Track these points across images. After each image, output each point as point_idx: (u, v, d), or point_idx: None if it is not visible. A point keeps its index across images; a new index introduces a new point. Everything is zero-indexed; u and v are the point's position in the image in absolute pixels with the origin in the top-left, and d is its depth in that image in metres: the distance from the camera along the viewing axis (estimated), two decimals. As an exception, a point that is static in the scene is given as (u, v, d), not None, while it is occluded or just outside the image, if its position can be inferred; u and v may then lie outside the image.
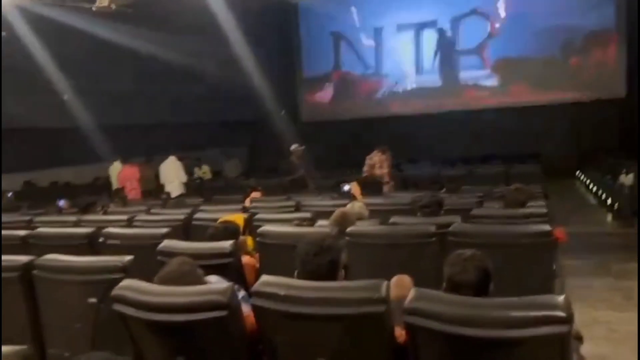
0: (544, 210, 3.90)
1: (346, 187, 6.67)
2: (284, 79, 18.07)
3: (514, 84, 16.19)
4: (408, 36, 17.17)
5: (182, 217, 4.84)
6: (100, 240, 3.72)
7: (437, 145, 15.87)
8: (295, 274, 2.17)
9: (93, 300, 2.32)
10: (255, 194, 7.70)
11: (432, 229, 3.14)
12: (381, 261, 3.22)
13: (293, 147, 9.97)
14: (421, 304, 1.86)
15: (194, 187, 10.31)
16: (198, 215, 4.87)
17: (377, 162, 9.06)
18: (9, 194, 9.76)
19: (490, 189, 6.35)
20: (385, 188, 8.26)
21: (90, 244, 3.75)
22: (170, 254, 3.33)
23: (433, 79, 17.10)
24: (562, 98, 15.36)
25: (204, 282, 2.39)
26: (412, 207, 4.42)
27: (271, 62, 16.47)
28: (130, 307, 2.10)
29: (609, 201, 9.95)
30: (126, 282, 2.18)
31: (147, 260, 3.40)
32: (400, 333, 1.96)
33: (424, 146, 15.89)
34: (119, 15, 10.34)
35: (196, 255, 3.27)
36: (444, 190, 6.29)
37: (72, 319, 2.42)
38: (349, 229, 3.31)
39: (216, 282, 2.81)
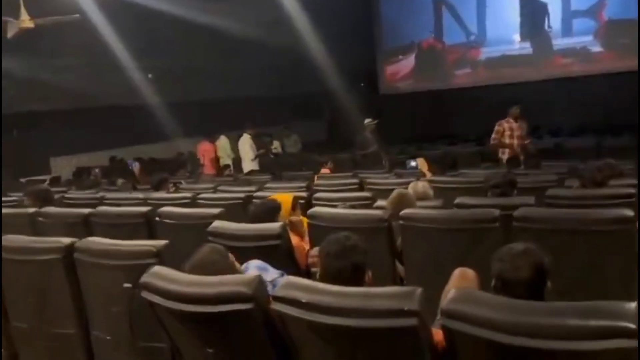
0: (632, 190, 3.45)
1: (413, 163, 6.35)
2: (363, 50, 17.74)
3: (615, 48, 14.86)
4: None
5: (243, 195, 4.79)
6: (157, 219, 3.73)
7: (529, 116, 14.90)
8: (317, 275, 2.00)
9: (128, 285, 2.26)
10: (325, 170, 7.58)
11: (496, 212, 2.84)
12: (437, 248, 2.97)
13: (367, 121, 9.71)
14: (462, 305, 1.62)
15: (268, 163, 10.34)
16: (258, 193, 4.80)
17: (507, 130, 7.75)
18: (96, 170, 10.24)
19: (575, 164, 5.81)
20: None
21: (147, 223, 3.77)
22: (221, 234, 3.29)
23: (527, 46, 15.98)
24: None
25: (235, 271, 2.28)
26: (484, 187, 4.08)
27: (350, 33, 16.20)
28: (157, 295, 2.02)
29: None
30: (156, 269, 2.10)
31: (200, 241, 3.38)
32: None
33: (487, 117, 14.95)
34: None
35: (244, 237, 3.20)
36: (522, 166, 5.84)
37: (111, 304, 2.40)
38: (402, 212, 3.08)
39: (254, 269, 2.71)
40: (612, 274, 2.63)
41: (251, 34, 12.54)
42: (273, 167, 9.73)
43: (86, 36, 10.78)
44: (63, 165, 11.98)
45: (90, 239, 2.59)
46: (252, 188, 5.55)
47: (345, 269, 1.95)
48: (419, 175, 5.66)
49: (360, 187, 5.43)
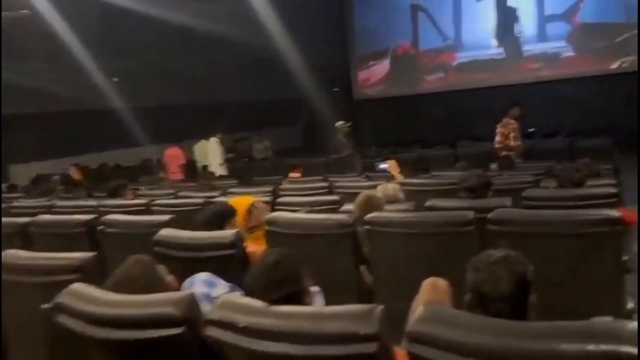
0: (612, 190, 3.24)
1: (382, 166, 6.10)
2: (337, 55, 17.61)
3: (588, 52, 14.93)
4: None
5: (201, 201, 4.46)
6: (100, 228, 3.39)
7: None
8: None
9: (46, 306, 1.93)
10: (294, 174, 7.30)
11: (470, 215, 2.57)
12: (407, 254, 2.70)
13: (338, 124, 9.46)
14: (431, 327, 1.34)
15: (238, 168, 10.00)
16: (219, 199, 4.48)
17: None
18: (56, 177, 9.77)
19: (551, 165, 5.63)
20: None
21: (89, 233, 3.43)
22: (168, 244, 2.97)
23: (499, 50, 16.02)
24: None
25: (164, 287, 1.96)
26: (457, 188, 3.83)
27: (324, 38, 16.05)
28: (74, 318, 1.69)
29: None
30: (74, 287, 1.77)
31: (146, 251, 3.06)
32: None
33: (483, 120, 14.93)
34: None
35: (194, 247, 2.89)
36: (497, 166, 5.63)
37: (29, 329, 2.05)
38: (368, 216, 2.80)
39: (199, 284, 2.41)
40: (598, 281, 2.38)
41: (223, 39, 12.23)
42: (244, 172, 9.40)
43: (50, 39, 10.37)
44: (24, 173, 11.45)
45: (11, 251, 2.25)
46: (214, 193, 5.23)
47: (280, 300, 1.66)
48: (389, 178, 5.41)
49: (329, 190, 5.16)
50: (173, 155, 10.31)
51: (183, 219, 3.59)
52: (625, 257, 3.38)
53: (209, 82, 12.74)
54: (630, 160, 11.16)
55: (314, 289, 2.27)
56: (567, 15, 14.98)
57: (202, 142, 10.35)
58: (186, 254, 2.89)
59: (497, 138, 7.45)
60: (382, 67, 17.83)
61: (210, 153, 9.22)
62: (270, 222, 2.98)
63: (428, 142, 13.08)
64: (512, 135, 7.36)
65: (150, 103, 12.14)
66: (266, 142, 11.47)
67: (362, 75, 18.30)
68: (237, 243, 2.80)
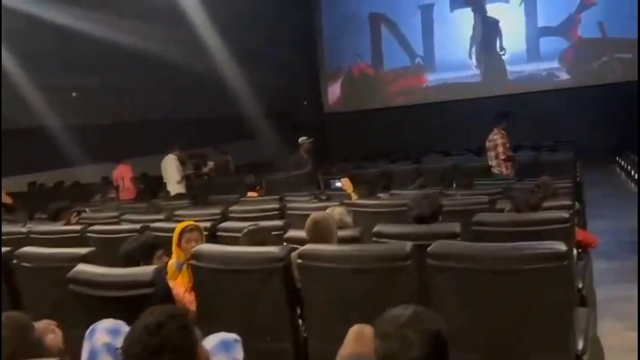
0: (565, 215, 3.06)
1: (337, 184, 5.88)
2: (307, 69, 17.54)
3: (547, 67, 15.06)
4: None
5: (139, 227, 4.17)
6: (15, 262, 3.08)
7: (468, 133, 14.90)
8: None
9: None
10: (252, 194, 7.01)
11: (407, 248, 2.35)
12: (342, 291, 2.46)
13: (301, 139, 9.21)
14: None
15: (198, 186, 9.68)
16: (158, 224, 4.19)
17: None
18: (2, 196, 9.28)
19: (509, 184, 5.48)
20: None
21: (5, 265, 3.11)
22: (83, 281, 2.69)
23: (472, 72, 15.78)
24: (596, 80, 14.26)
25: (43, 353, 1.67)
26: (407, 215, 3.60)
27: (294, 53, 15.96)
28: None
29: (653, 191, 8.93)
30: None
31: (60, 289, 2.77)
32: None
33: (451, 135, 14.96)
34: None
35: (110, 285, 2.61)
36: (455, 186, 5.46)
37: None
38: (301, 249, 2.56)
39: (101, 333, 2.12)
40: (546, 320, 2.17)
41: (186, 53, 11.98)
42: (202, 190, 9.10)
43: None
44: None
45: None
46: (158, 216, 4.93)
47: None
48: (342, 198, 5.19)
49: (281, 213, 4.91)
50: (123, 172, 9.96)
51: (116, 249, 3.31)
52: (580, 285, 3.23)
53: (167, 98, 12.43)
54: (593, 173, 11.28)
55: (230, 338, 2.00)
56: (563, 29, 14.02)
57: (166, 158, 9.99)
58: (102, 292, 2.61)
59: (501, 149, 7.24)
60: (350, 82, 17.79)
61: (167, 170, 8.88)
62: (195, 256, 2.71)
63: (396, 157, 12.97)
64: (507, 146, 7.27)
65: (106, 120, 11.77)
66: (226, 157, 11.16)
67: (332, 89, 18.23)
68: (157, 281, 2.53)
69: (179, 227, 3.46)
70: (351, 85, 17.64)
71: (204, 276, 2.69)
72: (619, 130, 13.73)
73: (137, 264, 2.74)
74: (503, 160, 7.22)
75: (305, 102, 18.44)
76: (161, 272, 2.60)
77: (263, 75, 14.32)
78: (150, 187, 10.25)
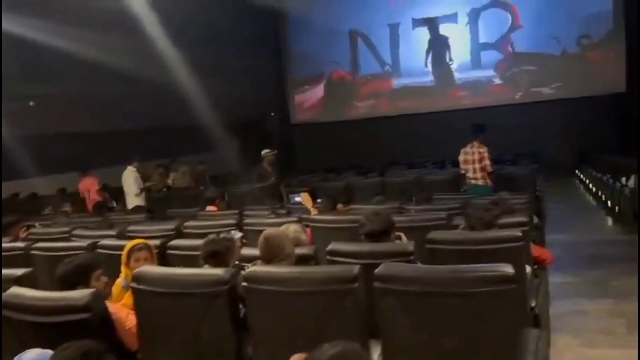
0: (518, 233, 3.04)
1: (297, 198, 5.80)
2: (274, 79, 17.47)
3: (511, 81, 15.47)
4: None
5: (85, 244, 4.00)
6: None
7: (430, 146, 15.08)
8: None
9: None
10: (211, 207, 6.86)
11: (355, 270, 2.28)
12: (289, 316, 2.37)
13: (264, 152, 9.07)
14: None
15: (157, 199, 9.47)
16: (106, 241, 4.02)
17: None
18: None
19: (468, 199, 5.48)
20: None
21: None
22: (15, 306, 2.53)
23: (429, 78, 16.36)
24: (561, 93, 14.66)
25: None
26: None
27: (261, 62, 15.86)
28: None
29: (610, 203, 9.11)
30: None
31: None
32: None
33: (414, 147, 15.11)
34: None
35: (43, 310, 2.47)
36: (414, 200, 5.44)
37: None
38: (246, 272, 2.47)
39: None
40: (495, 345, 2.12)
41: (149, 64, 11.74)
42: (163, 202, 8.89)
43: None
44: None
45: None
46: (110, 232, 4.76)
47: None
48: (301, 213, 5.12)
49: (239, 229, 4.79)
50: (87, 184, 9.73)
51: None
52: (532, 304, 3.21)
53: (129, 108, 12.16)
54: (554, 186, 11.49)
55: None
56: (499, 44, 15.68)
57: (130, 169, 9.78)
58: (35, 318, 2.46)
59: (488, 162, 7.20)
60: (318, 92, 17.78)
61: (125, 182, 8.66)
62: (137, 278, 2.58)
63: (362, 169, 12.97)
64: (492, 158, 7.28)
65: (66, 129, 11.45)
66: (184, 168, 10.95)
67: (299, 99, 18.18)
68: (93, 305, 2.40)
69: (128, 245, 3.33)
70: (320, 96, 17.67)
71: (146, 300, 2.56)
72: (579, 144, 14.07)
73: (73, 288, 2.60)
74: (489, 173, 7.23)
75: (272, 114, 18.37)
76: (99, 296, 2.47)
77: (230, 86, 14.20)
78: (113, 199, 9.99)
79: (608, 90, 14.29)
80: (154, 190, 9.91)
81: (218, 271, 2.49)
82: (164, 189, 10.46)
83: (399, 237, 3.31)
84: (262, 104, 17.20)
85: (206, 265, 3.08)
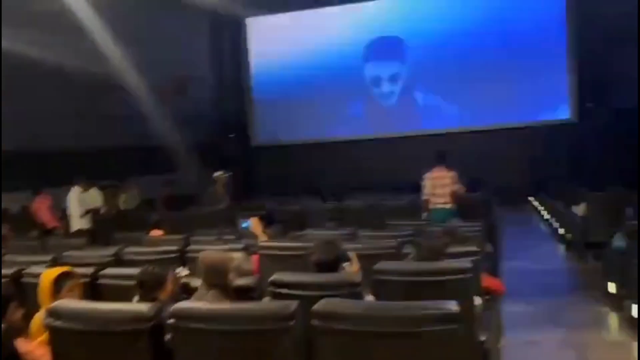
0: (467, 265, 2.93)
1: (245, 224, 5.60)
2: (234, 99, 17.25)
3: (466, 109, 15.72)
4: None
5: (10, 272, 3.69)
6: None
7: (388, 172, 15.12)
8: None
9: None
10: (156, 232, 6.56)
11: (292, 307, 2.10)
12: (220, 357, 2.16)
13: (216, 174, 8.85)
14: None
15: (103, 222, 9.05)
16: (33, 269, 3.72)
17: None
18: None
19: (420, 226, 5.39)
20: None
21: None
22: None
23: (389, 103, 16.45)
24: (515, 122, 14.95)
25: None
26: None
27: (221, 82, 15.66)
28: None
29: (562, 231, 9.22)
30: None
31: None
32: None
33: (372, 172, 15.12)
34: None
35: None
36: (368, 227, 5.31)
37: None
38: (173, 308, 2.25)
39: None
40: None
41: (106, 82, 11.40)
42: (108, 225, 8.50)
43: None
44: None
45: None
46: (43, 258, 4.44)
47: None
48: (250, 239, 4.91)
49: (181, 256, 4.55)
50: (39, 203, 9.29)
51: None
52: (482, 338, 3.09)
53: (78, 127, 11.73)
54: (509, 213, 11.60)
55: None
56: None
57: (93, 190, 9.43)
58: None
59: (458, 185, 7.28)
60: (279, 113, 17.60)
61: (69, 204, 8.27)
62: (53, 313, 2.33)
63: (320, 194, 12.83)
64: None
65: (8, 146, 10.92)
66: (134, 191, 10.58)
67: (259, 120, 17.98)
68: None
69: (52, 274, 3.07)
70: (280, 118, 17.52)
71: (62, 338, 2.31)
72: (535, 171, 14.31)
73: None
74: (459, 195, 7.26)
75: (231, 136, 18.13)
76: (8, 332, 2.21)
77: (191, 107, 13.96)
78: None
79: (561, 119, 14.68)
80: (103, 212, 9.49)
81: (141, 307, 2.27)
82: (113, 212, 10.04)
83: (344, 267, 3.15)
84: (223, 127, 16.99)
85: (136, 297, 2.86)
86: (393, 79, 16.41)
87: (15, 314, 2.50)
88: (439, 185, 7.12)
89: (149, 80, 12.63)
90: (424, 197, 7.15)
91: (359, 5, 16.37)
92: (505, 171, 14.12)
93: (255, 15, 16.67)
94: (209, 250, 3.29)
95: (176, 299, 2.82)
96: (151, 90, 12.84)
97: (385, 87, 16.50)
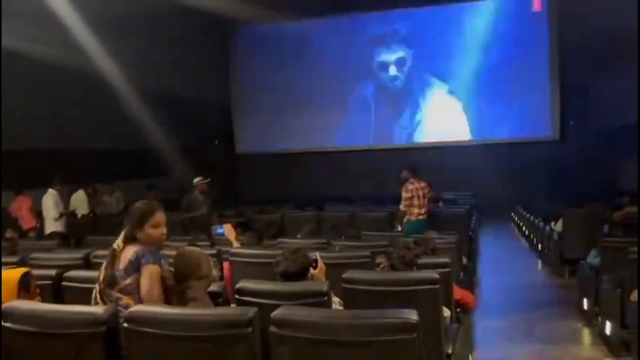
0: (435, 275, 2.90)
1: (219, 230, 5.53)
2: (220, 106, 17.22)
3: (453, 123, 15.83)
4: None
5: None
6: None
7: (369, 182, 15.16)
8: None
9: None
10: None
11: (249, 313, 2.05)
12: (172, 362, 2.10)
13: (196, 180, 8.74)
14: None
15: (79, 224, 8.93)
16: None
17: None
18: None
19: (399, 235, 5.38)
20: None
21: None
22: None
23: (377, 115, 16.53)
24: (499, 138, 15.10)
25: None
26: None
27: (207, 88, 15.59)
28: None
29: (540, 247, 9.27)
30: None
31: None
32: None
33: (353, 182, 15.17)
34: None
35: None
36: (343, 237, 5.28)
37: None
38: (127, 311, 2.20)
39: None
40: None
41: (86, 81, 11.27)
42: (83, 229, 8.37)
43: None
44: None
45: None
46: (9, 259, 4.35)
47: None
48: (223, 245, 4.86)
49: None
50: (19, 203, 9.16)
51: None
52: (449, 350, 3.06)
53: (64, 128, 11.59)
54: (491, 227, 11.67)
55: None
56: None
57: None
58: None
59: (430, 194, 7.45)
60: (264, 121, 17.58)
61: (44, 206, 8.13)
62: (5, 315, 2.26)
63: (302, 202, 12.78)
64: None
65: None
66: (117, 194, 10.46)
67: (245, 128, 17.95)
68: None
69: (15, 274, 2.98)
70: (267, 126, 17.51)
71: (13, 340, 2.24)
72: (516, 187, 14.41)
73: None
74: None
75: (216, 142, 18.07)
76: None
77: (176, 113, 13.90)
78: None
79: (543, 137, 14.86)
80: (81, 215, 9.36)
81: (95, 309, 2.20)
82: (90, 215, 9.90)
83: (312, 276, 3.10)
84: (206, 132, 16.92)
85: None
86: (380, 93, 16.53)
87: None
88: (417, 196, 7.12)
89: (139, 83, 12.56)
90: (402, 208, 7.13)
91: (346, 21, 16.49)
92: (486, 185, 14.21)
93: (244, 23, 16.73)
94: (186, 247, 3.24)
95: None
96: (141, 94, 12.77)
97: (373, 102, 16.61)
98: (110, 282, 2.76)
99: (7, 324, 2.25)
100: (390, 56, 16.17)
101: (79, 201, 9.73)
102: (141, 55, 12.49)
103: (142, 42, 12.56)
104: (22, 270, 3.03)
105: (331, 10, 15.94)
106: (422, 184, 7.21)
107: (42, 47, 10.00)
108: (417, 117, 16.19)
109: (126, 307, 2.57)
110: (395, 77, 16.25)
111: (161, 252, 2.97)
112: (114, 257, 2.84)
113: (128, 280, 2.73)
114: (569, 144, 14.48)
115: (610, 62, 12.65)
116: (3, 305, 2.31)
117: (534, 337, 5.37)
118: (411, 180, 7.18)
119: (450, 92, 15.77)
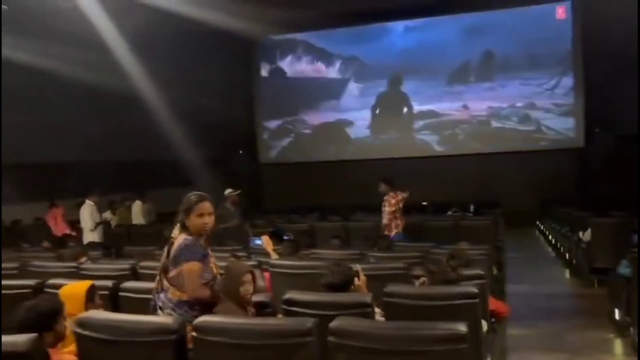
0: (474, 290, 3.04)
1: (257, 241, 5.72)
2: (243, 118, 17.52)
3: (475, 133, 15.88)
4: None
5: (33, 283, 3.83)
6: None
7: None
8: None
9: None
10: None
11: (308, 324, 2.23)
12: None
13: (227, 191, 8.97)
14: None
15: (115, 235, 9.19)
16: (53, 281, 3.85)
17: None
18: None
19: (431, 246, 5.50)
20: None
21: None
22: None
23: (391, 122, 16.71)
24: (523, 146, 15.10)
25: None
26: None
27: (231, 102, 15.90)
28: None
29: (567, 256, 9.29)
30: None
31: None
32: None
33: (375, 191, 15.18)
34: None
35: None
36: (376, 248, 5.42)
37: None
38: (196, 321, 2.39)
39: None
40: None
41: (115, 94, 11.62)
42: (118, 238, 8.64)
43: None
44: None
45: None
46: (61, 270, 4.59)
47: None
48: (262, 256, 5.04)
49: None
50: (53, 213, 9.54)
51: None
52: (488, 360, 3.19)
53: (95, 140, 11.94)
54: (512, 233, 11.67)
55: None
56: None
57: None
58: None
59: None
60: (288, 132, 17.88)
61: (81, 217, 8.43)
62: (82, 324, 2.47)
63: (326, 213, 12.92)
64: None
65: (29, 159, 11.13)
66: (148, 205, 10.71)
67: (268, 138, 18.23)
68: (34, 352, 2.27)
69: (83, 286, 3.18)
70: (289, 137, 17.80)
71: (88, 347, 2.45)
72: (541, 195, 14.38)
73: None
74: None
75: (240, 152, 18.34)
76: (39, 341, 2.34)
77: (201, 124, 14.20)
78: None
79: (568, 144, 14.83)
80: (115, 226, 9.66)
81: (166, 319, 2.40)
82: (125, 225, 10.18)
83: (355, 288, 3.27)
84: (231, 142, 17.20)
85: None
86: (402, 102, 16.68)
87: (62, 324, 2.60)
88: (398, 209, 7.26)
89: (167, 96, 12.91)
90: (385, 222, 7.21)
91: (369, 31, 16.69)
92: (513, 194, 14.21)
93: (269, 35, 17.05)
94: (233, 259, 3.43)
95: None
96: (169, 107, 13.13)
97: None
98: (165, 269, 3.07)
99: (85, 332, 2.45)
100: (415, 67, 16.30)
101: (136, 213, 10.08)
102: (171, 72, 12.85)
103: (173, 60, 12.93)
104: (88, 283, 3.26)
105: (353, 21, 16.13)
106: (400, 197, 7.32)
107: (86, 70, 10.45)
108: (442, 126, 16.27)
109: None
110: (419, 89, 16.38)
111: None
112: (171, 244, 3.08)
113: (173, 273, 3.02)
114: (594, 149, 14.40)
115: (634, 68, 12.61)
116: (80, 316, 2.52)
117: (566, 346, 5.42)
118: (391, 194, 7.28)
119: (473, 100, 15.86)
